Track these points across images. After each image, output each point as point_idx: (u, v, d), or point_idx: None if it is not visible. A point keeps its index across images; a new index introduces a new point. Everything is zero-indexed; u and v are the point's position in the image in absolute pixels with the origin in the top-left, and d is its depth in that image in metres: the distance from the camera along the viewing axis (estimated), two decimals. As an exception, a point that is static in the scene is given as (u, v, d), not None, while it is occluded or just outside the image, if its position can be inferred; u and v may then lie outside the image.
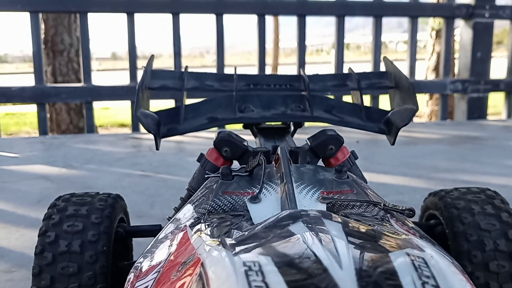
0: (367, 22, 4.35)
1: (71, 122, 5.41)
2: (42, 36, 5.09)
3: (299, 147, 1.07)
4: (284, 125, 1.23)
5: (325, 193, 0.83)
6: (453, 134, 3.68)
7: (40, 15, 3.85)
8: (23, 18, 3.79)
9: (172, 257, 0.63)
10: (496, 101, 6.03)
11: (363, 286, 0.40)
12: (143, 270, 0.66)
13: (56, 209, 0.91)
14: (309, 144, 1.07)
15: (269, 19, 4.61)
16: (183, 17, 3.86)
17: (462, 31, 4.50)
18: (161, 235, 0.77)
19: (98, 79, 3.77)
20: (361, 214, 0.74)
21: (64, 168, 2.56)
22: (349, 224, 0.55)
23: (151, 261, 0.68)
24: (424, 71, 6.52)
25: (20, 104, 3.89)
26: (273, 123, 1.24)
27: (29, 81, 3.83)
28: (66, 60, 5.36)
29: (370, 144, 3.26)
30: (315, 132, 1.12)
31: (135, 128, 3.85)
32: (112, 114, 8.20)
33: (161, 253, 0.68)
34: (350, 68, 1.24)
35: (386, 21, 4.36)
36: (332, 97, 1.19)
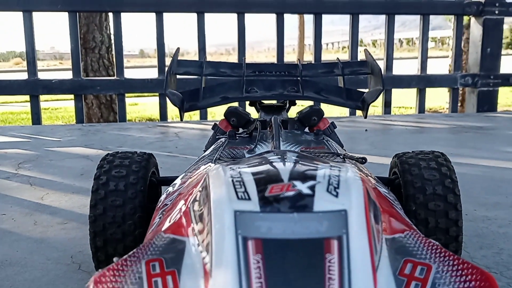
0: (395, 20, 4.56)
1: (102, 116, 5.78)
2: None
3: (290, 118, 1.36)
4: (281, 103, 1.53)
5: (303, 148, 1.12)
6: (458, 124, 3.91)
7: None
8: (56, 17, 4.13)
9: (190, 181, 0.94)
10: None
11: (292, 173, 0.69)
12: (170, 192, 0.97)
13: (106, 161, 1.22)
14: (298, 116, 1.37)
15: (295, 17, 4.89)
16: (209, 16, 4.17)
17: (473, 28, 4.70)
18: (183, 174, 1.07)
19: (126, 75, 4.10)
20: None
21: (101, 149, 2.91)
22: (303, 154, 0.84)
23: (176, 186, 0.98)
24: (447, 67, 6.64)
25: (60, 95, 4.28)
26: (272, 101, 1.53)
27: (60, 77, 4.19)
28: (97, 57, 5.73)
29: (378, 132, 3.52)
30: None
31: (162, 118, 4.19)
32: (140, 109, 8.59)
33: (183, 182, 0.99)
34: (337, 58, 1.53)
35: (414, 17, 4.58)
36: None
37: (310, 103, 2.58)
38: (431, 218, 1.13)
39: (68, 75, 4.06)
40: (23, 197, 1.99)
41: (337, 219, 0.60)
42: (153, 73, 4.22)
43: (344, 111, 5.03)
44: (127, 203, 1.13)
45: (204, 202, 0.68)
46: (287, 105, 1.53)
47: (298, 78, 1.44)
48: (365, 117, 1.38)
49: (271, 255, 0.56)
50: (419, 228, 1.11)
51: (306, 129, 1.38)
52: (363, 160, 1.05)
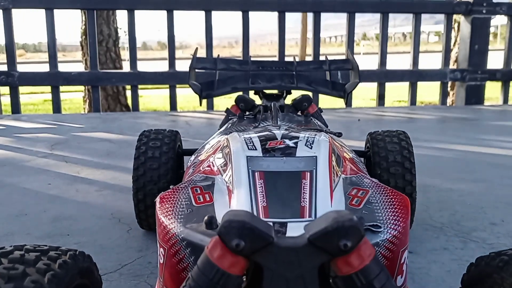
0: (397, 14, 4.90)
1: (109, 107, 6.13)
2: (83, 27, 5.80)
3: (286, 104, 1.72)
4: (280, 92, 1.88)
5: (295, 125, 1.48)
6: (445, 116, 4.26)
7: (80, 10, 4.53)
8: (60, 11, 4.38)
9: (212, 146, 1.30)
10: None
11: (283, 135, 1.05)
12: (197, 154, 1.33)
13: (144, 136, 1.58)
14: (292, 102, 1.72)
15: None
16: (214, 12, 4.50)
17: (462, 26, 5.03)
18: (204, 143, 1.43)
19: (128, 68, 4.46)
20: (311, 133, 1.39)
21: (120, 134, 3.27)
22: (292, 126, 1.20)
23: (201, 151, 1.34)
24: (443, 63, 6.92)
25: (77, 86, 4.67)
26: (272, 91, 1.89)
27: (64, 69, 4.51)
28: (104, 50, 6.05)
29: (370, 122, 3.87)
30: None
31: (172, 108, 4.54)
32: (145, 101, 8.96)
33: (205, 148, 1.35)
34: (326, 56, 1.88)
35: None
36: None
37: (303, 92, 2.95)
38: (392, 179, 1.48)
39: (73, 67, 4.39)
40: (62, 171, 2.36)
41: (310, 161, 0.96)
42: (156, 66, 4.56)
43: (342, 104, 5.37)
44: (161, 167, 1.49)
45: (227, 153, 1.04)
46: (284, 94, 1.89)
47: (293, 73, 1.80)
48: (346, 104, 1.74)
49: (269, 180, 0.91)
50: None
51: (299, 113, 1.74)
52: (339, 134, 1.41)
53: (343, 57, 5.31)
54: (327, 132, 1.41)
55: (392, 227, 0.85)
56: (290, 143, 1.01)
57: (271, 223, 0.81)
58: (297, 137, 1.05)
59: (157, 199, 0.94)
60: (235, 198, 0.89)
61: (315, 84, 1.79)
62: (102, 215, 1.79)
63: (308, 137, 1.05)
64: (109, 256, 1.44)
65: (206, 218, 0.83)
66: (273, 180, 0.91)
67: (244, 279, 0.66)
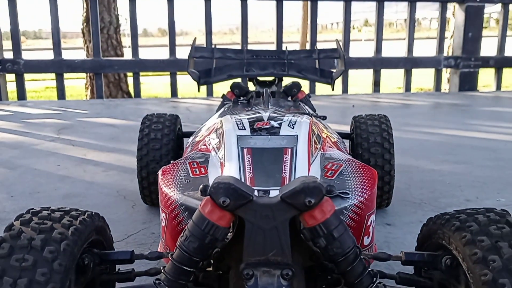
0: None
1: (110, 94, 6.25)
2: (84, 15, 5.91)
3: (278, 90, 1.87)
4: (272, 79, 2.03)
5: (285, 110, 1.62)
6: (438, 102, 4.40)
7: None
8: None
9: (207, 128, 1.44)
10: None
11: (269, 117, 1.20)
12: (195, 135, 1.48)
13: (147, 119, 1.73)
14: (283, 89, 1.87)
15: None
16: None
17: (456, 14, 5.14)
18: (201, 126, 1.58)
19: (129, 55, 4.60)
20: (298, 117, 1.54)
21: (123, 120, 3.42)
22: (279, 110, 1.35)
23: (198, 132, 1.49)
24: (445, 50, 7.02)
25: (81, 73, 4.80)
26: (265, 78, 2.04)
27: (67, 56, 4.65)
28: (105, 37, 6.15)
29: (365, 108, 4.01)
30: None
31: (173, 94, 4.68)
32: (146, 88, 9.08)
33: (202, 129, 1.49)
34: (315, 46, 2.02)
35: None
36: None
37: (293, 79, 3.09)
38: (372, 158, 1.63)
39: (73, 53, 4.51)
40: (69, 154, 2.51)
41: (292, 139, 1.10)
42: (157, 52, 4.67)
43: (338, 91, 5.50)
44: (163, 147, 1.64)
45: (220, 133, 1.19)
46: (276, 81, 2.03)
47: (285, 61, 1.94)
48: (332, 89, 1.89)
49: (255, 155, 1.06)
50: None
51: (289, 98, 1.88)
52: (323, 118, 1.56)
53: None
54: (312, 115, 1.56)
55: (359, 194, 1.00)
56: (275, 123, 1.16)
57: (256, 190, 0.96)
58: (282, 119, 1.19)
59: (159, 172, 1.09)
60: (227, 170, 1.04)
61: (305, 71, 1.93)
62: (109, 192, 1.94)
63: (291, 119, 1.20)
64: (116, 227, 1.59)
65: (201, 186, 0.98)
66: (259, 155, 1.06)
67: (230, 231, 0.81)
